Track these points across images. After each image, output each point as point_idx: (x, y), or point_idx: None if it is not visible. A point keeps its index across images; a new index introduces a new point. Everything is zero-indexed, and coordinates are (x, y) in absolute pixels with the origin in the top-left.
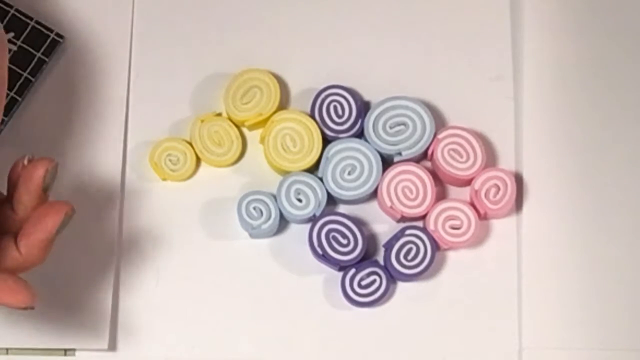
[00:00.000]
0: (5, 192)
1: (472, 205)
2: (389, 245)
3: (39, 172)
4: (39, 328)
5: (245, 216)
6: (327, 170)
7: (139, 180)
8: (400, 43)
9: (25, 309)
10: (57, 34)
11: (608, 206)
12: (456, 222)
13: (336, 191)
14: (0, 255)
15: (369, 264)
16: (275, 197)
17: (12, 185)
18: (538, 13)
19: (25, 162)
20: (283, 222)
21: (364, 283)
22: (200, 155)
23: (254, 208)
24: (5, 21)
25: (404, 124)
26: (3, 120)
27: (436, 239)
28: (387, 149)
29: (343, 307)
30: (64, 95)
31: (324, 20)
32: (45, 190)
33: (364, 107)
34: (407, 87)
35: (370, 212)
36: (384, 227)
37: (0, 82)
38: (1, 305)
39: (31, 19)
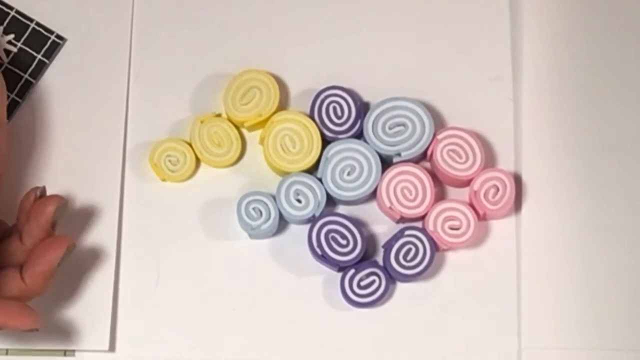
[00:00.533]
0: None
1: (471, 205)
2: (388, 246)
3: (50, 208)
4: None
5: (244, 217)
6: (327, 170)
7: (139, 181)
8: (400, 44)
9: (30, 331)
10: (58, 36)
11: (607, 206)
12: (455, 223)
13: (335, 192)
14: (7, 284)
15: (368, 264)
16: (274, 198)
17: (24, 214)
18: (537, 14)
19: (38, 193)
20: (282, 223)
21: (363, 283)
22: (199, 155)
23: (254, 208)
24: (5, 23)
25: (403, 124)
26: None
27: (435, 239)
28: (387, 150)
29: (342, 308)
30: (65, 96)
31: (323, 20)
32: (53, 225)
33: (363, 108)
34: (406, 88)
35: (370, 213)
36: (383, 228)
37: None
38: (8, 329)
39: (32, 20)
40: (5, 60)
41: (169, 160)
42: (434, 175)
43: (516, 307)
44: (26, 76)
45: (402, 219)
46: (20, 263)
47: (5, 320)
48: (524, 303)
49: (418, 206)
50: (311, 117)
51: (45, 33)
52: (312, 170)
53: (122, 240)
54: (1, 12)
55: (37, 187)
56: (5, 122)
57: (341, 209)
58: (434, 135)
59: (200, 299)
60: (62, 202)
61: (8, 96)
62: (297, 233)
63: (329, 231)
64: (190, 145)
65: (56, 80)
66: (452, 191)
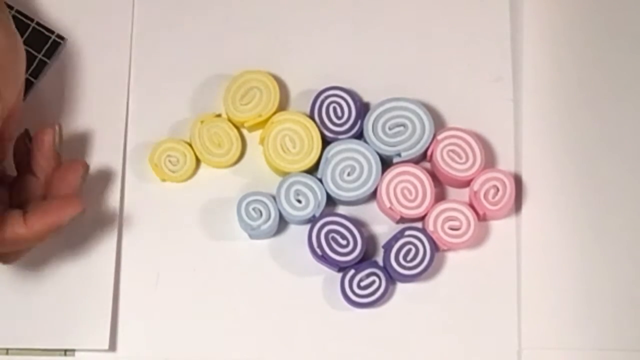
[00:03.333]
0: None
1: (472, 206)
2: (388, 246)
3: (48, 137)
4: (39, 328)
5: (244, 217)
6: (327, 171)
7: (139, 181)
8: (400, 44)
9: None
10: (58, 36)
11: (607, 207)
12: (455, 223)
13: (335, 192)
14: (8, 226)
15: (368, 264)
16: (274, 198)
17: (20, 161)
18: (538, 15)
19: (26, 139)
20: (282, 223)
21: (363, 284)
22: (199, 156)
23: (254, 209)
24: None
25: (403, 125)
26: None
27: (435, 239)
28: (387, 150)
29: (342, 308)
30: (65, 96)
31: (323, 21)
32: (57, 150)
33: (363, 108)
34: (406, 88)
35: (370, 213)
36: (383, 228)
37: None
38: (65, 223)
39: (32, 20)
40: None
41: (169, 161)
42: (434, 175)
43: (516, 307)
44: (27, 76)
45: (402, 219)
46: (40, 196)
47: (59, 216)
48: (524, 303)
49: (418, 206)
50: (311, 117)
51: (46, 33)
52: (312, 170)
53: (122, 241)
54: None
55: (22, 133)
56: (23, 86)
57: (341, 209)
58: (434, 136)
59: (201, 299)
60: (57, 127)
61: None
62: (297, 233)
63: (329, 231)
64: (190, 145)
65: (57, 80)
66: (452, 191)
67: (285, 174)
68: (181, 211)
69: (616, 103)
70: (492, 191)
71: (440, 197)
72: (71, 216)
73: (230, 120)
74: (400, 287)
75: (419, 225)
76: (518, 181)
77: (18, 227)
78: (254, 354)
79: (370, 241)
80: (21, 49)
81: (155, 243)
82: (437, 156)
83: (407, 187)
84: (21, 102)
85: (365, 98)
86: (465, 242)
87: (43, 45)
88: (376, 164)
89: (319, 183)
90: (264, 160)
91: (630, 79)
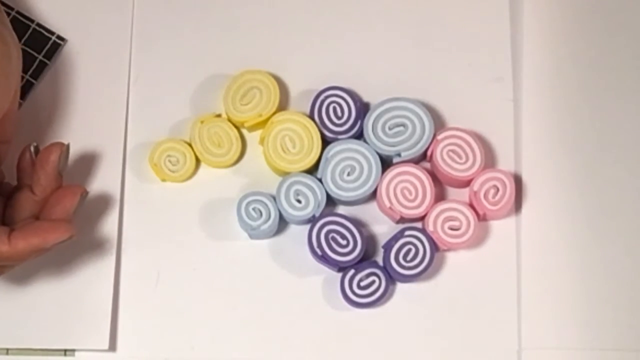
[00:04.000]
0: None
1: (471, 206)
2: (388, 246)
3: (53, 156)
4: (39, 328)
5: (244, 217)
6: (327, 171)
7: (139, 181)
8: (400, 44)
9: (69, 239)
10: (59, 37)
11: (606, 207)
12: (455, 223)
13: (335, 192)
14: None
15: (368, 264)
16: (274, 198)
17: (22, 171)
18: (538, 15)
19: (32, 149)
20: (282, 223)
21: (363, 284)
22: (199, 156)
23: (254, 209)
24: None
25: (403, 125)
26: None
27: (435, 240)
28: (387, 150)
29: (342, 308)
30: (65, 97)
31: (323, 21)
32: (60, 172)
33: (363, 108)
34: (406, 88)
35: (370, 213)
36: (383, 228)
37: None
38: (49, 246)
39: (32, 21)
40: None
41: (169, 161)
42: (434, 175)
43: (516, 307)
44: (27, 77)
45: (402, 219)
46: (33, 214)
47: (45, 239)
48: (524, 303)
49: (418, 206)
50: (311, 117)
51: (46, 34)
52: (312, 170)
53: (122, 240)
54: None
55: (30, 144)
56: (18, 89)
57: (341, 209)
58: (434, 136)
59: (201, 299)
60: (63, 147)
61: None
62: (297, 233)
63: (329, 231)
64: (190, 145)
65: (57, 81)
66: (452, 191)
67: (285, 174)
68: (181, 211)
69: (616, 103)
70: (492, 191)
71: (440, 197)
72: (57, 241)
73: (230, 120)
74: (400, 287)
75: (418, 225)
76: (518, 181)
77: (1, 245)
78: (254, 354)
79: (370, 241)
80: (16, 55)
81: (155, 243)
82: (437, 156)
83: (407, 187)
84: (16, 105)
85: (365, 98)
86: (465, 242)
87: (43, 46)
88: (376, 164)
89: (319, 183)
90: (264, 160)
91: (630, 79)
